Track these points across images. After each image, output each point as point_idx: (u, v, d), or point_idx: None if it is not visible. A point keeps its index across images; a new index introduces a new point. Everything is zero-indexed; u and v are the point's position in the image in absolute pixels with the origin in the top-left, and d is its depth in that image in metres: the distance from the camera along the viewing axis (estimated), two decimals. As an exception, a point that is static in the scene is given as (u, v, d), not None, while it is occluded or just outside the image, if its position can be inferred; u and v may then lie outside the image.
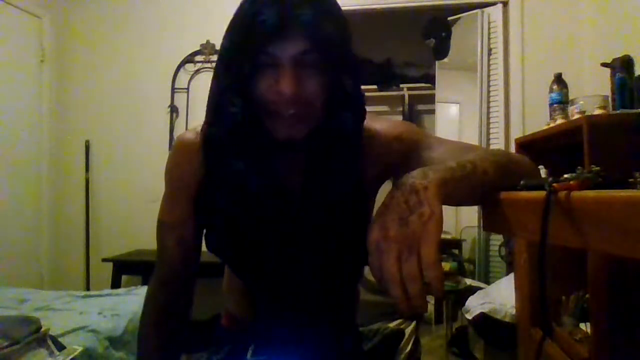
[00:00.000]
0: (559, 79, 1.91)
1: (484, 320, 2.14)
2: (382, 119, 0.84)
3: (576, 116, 1.63)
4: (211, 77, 0.76)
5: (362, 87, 0.78)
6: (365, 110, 0.77)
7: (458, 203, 0.62)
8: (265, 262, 0.82)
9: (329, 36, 0.67)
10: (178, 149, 0.84)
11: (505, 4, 2.96)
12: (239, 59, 0.68)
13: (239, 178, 0.75)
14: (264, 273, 0.84)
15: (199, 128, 0.80)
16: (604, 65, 1.76)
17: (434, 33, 3.41)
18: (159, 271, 0.88)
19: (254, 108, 0.71)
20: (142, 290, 2.23)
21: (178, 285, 0.88)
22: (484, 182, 0.62)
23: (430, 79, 4.02)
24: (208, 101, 0.75)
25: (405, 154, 0.78)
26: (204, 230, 0.85)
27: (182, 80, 3.23)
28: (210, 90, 0.74)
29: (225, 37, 0.71)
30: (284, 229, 0.80)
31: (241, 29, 0.68)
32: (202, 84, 3.19)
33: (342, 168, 0.77)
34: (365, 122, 0.80)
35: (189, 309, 0.91)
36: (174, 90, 3.23)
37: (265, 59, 0.67)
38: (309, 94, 0.69)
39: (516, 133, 2.74)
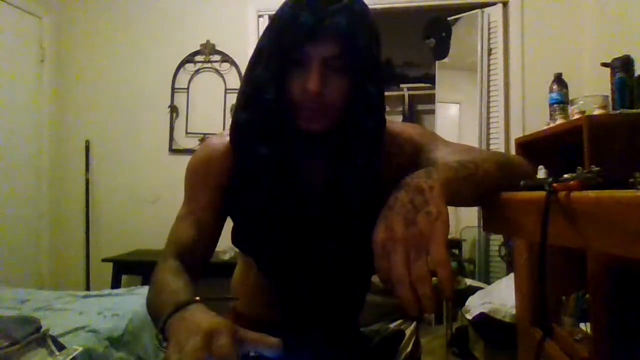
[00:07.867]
0: (559, 79, 1.91)
1: (484, 320, 2.14)
2: (393, 121, 0.88)
3: (576, 116, 1.63)
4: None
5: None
6: (384, 117, 0.81)
7: (461, 203, 0.62)
8: (285, 259, 0.84)
9: (359, 45, 0.73)
10: (205, 149, 0.88)
11: (505, 4, 2.96)
12: (277, 55, 0.75)
13: (262, 165, 0.79)
14: (284, 269, 0.86)
15: (225, 134, 0.84)
16: (604, 65, 1.76)
17: (434, 33, 3.40)
18: (166, 249, 0.79)
19: (284, 100, 0.76)
20: (142, 290, 2.23)
21: (188, 261, 0.76)
22: (485, 182, 0.62)
23: (430, 79, 4.02)
24: (240, 90, 0.82)
25: (414, 155, 0.81)
26: (232, 226, 0.87)
27: (182, 80, 3.22)
28: (244, 81, 0.81)
29: (264, 34, 0.78)
30: (305, 228, 0.82)
31: (281, 28, 0.75)
32: (202, 84, 3.16)
33: (362, 170, 0.80)
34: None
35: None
36: (174, 90, 3.22)
37: (299, 57, 0.73)
38: (332, 95, 0.74)
39: (516, 133, 2.74)
